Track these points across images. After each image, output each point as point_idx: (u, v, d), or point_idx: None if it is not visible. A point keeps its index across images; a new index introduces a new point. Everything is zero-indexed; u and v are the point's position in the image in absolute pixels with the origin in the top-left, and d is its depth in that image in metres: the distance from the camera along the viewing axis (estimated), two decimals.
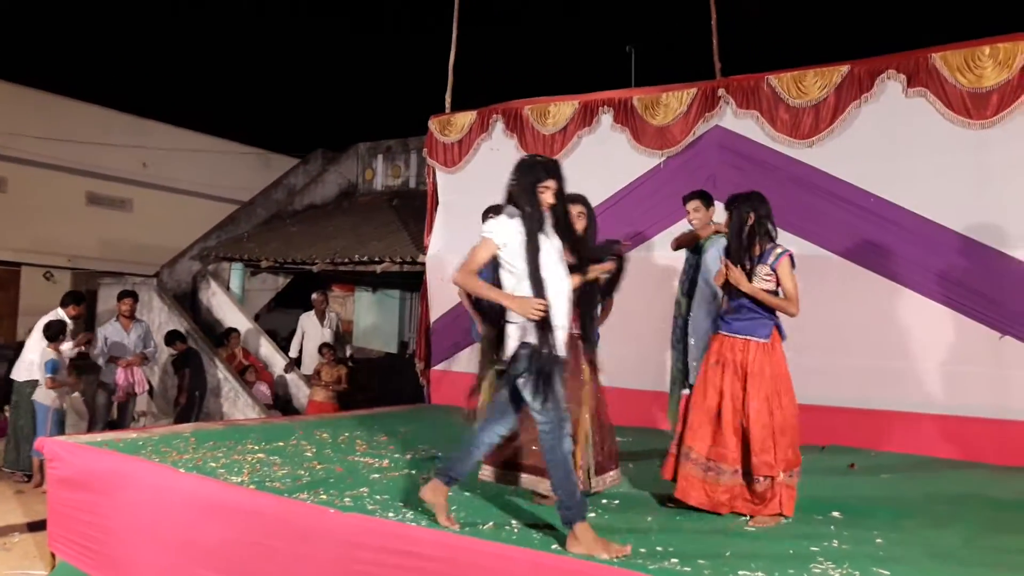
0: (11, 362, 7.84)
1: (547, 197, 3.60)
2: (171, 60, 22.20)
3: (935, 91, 6.02)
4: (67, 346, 7.40)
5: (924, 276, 6.03)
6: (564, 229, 3.72)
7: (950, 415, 5.82)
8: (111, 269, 12.45)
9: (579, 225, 4.52)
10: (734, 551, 3.44)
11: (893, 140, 6.21)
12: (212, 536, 4.13)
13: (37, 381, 7.29)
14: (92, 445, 5.10)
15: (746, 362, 4.05)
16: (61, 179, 13.19)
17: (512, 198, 3.66)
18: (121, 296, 8.46)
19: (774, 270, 4.07)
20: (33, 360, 7.38)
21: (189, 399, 8.96)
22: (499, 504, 4.12)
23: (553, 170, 3.64)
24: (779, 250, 4.10)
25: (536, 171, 3.63)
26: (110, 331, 8.27)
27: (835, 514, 4.10)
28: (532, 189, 3.58)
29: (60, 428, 7.21)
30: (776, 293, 4.10)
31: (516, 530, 3.68)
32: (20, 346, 8.26)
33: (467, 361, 8.16)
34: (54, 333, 7.28)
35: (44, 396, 7.21)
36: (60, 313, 7.56)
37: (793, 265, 4.09)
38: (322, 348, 9.38)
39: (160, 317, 10.34)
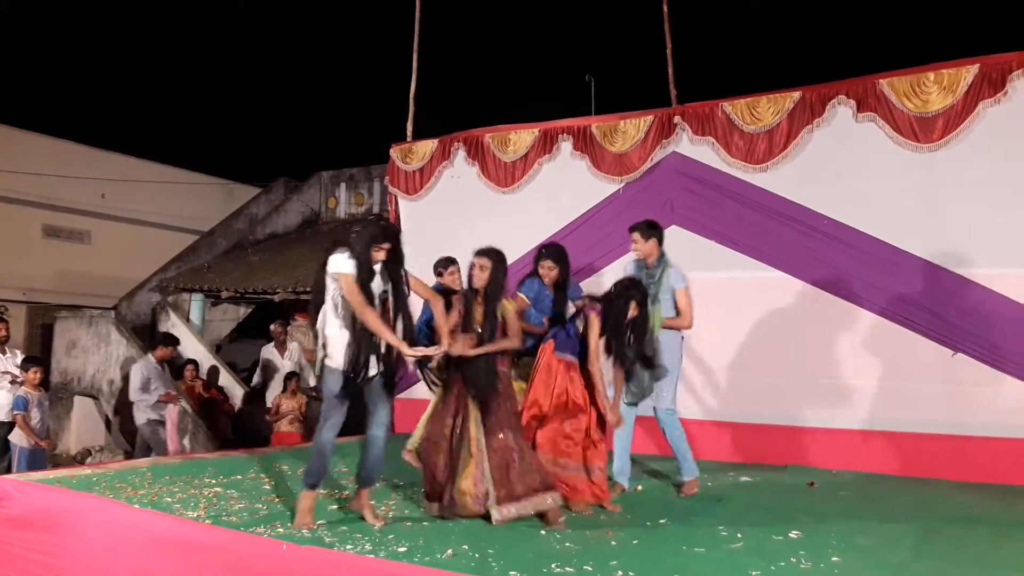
0: None
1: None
2: (129, 90, 22.07)
3: (884, 116, 6.18)
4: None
5: (878, 295, 6.15)
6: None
7: (906, 432, 5.92)
8: (68, 302, 12.24)
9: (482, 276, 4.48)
10: (690, 571, 3.45)
11: (845, 163, 6.35)
12: (166, 573, 4.03)
13: None
14: (43, 482, 4.96)
15: None
16: (16, 212, 13.01)
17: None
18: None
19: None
20: None
21: None
22: (457, 532, 4.08)
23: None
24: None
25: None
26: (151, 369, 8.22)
27: (793, 534, 4.12)
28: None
29: (31, 469, 6.94)
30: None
31: (476, 557, 3.65)
32: None
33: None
34: None
35: (16, 436, 7.06)
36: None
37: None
38: (286, 378, 9.23)
39: (119, 350, 10.18)
